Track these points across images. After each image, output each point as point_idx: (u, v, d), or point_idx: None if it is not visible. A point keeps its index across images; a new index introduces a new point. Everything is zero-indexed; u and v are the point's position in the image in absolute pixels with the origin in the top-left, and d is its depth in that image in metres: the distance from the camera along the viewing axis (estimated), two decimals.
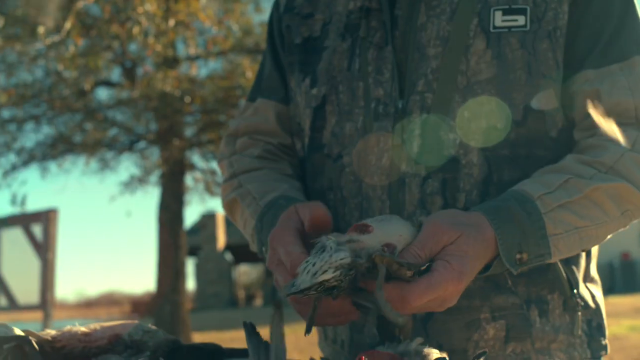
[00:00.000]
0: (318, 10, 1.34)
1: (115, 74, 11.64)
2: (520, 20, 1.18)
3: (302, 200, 1.23)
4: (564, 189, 1.09)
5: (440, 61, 1.18)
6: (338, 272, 0.92)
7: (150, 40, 7.71)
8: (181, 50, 10.01)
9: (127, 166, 12.47)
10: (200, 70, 10.53)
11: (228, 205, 1.35)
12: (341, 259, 0.93)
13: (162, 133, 10.50)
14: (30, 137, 11.57)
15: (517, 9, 1.18)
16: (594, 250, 1.27)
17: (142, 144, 12.18)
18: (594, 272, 1.27)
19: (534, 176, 1.14)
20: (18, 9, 7.80)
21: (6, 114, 11.08)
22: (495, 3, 1.19)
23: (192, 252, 27.01)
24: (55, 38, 7.12)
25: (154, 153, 12.47)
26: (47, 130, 11.62)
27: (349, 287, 0.96)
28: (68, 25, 7.12)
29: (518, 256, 1.04)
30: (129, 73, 10.65)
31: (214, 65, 11.20)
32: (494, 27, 1.18)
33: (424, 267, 0.97)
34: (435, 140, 1.17)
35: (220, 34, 8.75)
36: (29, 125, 11.41)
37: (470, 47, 1.17)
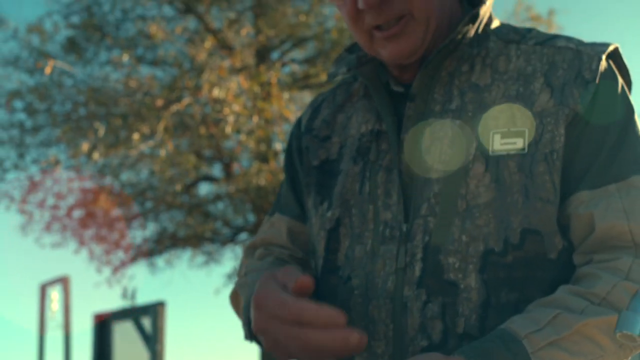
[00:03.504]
0: (335, 133, 1.38)
1: (217, 170, 12.08)
2: (519, 143, 1.18)
3: None
4: (552, 326, 1.05)
5: (442, 185, 1.19)
6: None
7: (243, 137, 8.01)
8: (275, 144, 10.33)
9: (231, 258, 12.70)
10: None
11: (232, 300, 1.40)
12: None
13: (260, 225, 10.73)
14: (137, 234, 12.06)
15: (516, 131, 1.19)
16: None
17: (243, 235, 12.44)
18: None
19: (525, 311, 1.11)
20: (117, 118, 8.32)
21: (114, 212, 11.63)
22: (495, 126, 1.20)
23: None
24: (150, 143, 7.52)
25: None
26: (152, 227, 12.10)
27: None
28: (161, 129, 7.52)
29: None
30: (227, 168, 11.04)
31: None
32: (493, 151, 1.18)
33: None
34: (435, 264, 1.17)
35: None
36: (136, 223, 11.91)
37: (469, 171, 1.18)
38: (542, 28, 11.31)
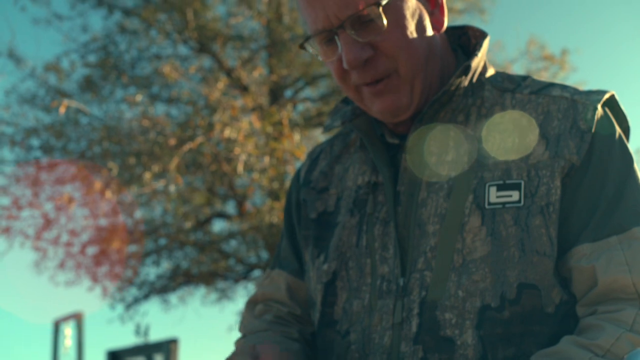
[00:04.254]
0: (332, 185, 1.38)
1: (230, 206, 12.08)
2: (515, 195, 1.17)
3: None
4: None
5: (438, 239, 1.18)
6: None
7: (255, 175, 8.04)
8: (287, 182, 10.35)
9: (244, 295, 12.65)
10: None
11: None
12: None
13: None
14: (150, 271, 12.06)
15: (512, 184, 1.18)
16: None
17: (256, 273, 12.40)
18: None
19: None
20: (131, 156, 8.38)
21: (128, 249, 11.63)
22: (490, 178, 1.19)
23: None
24: (161, 182, 7.56)
25: None
26: (166, 264, 12.08)
27: None
28: (173, 167, 7.57)
29: None
30: (240, 205, 11.05)
31: None
32: (489, 204, 1.18)
33: None
34: (431, 320, 1.16)
35: None
36: (150, 260, 11.91)
37: (465, 224, 1.17)
38: (555, 68, 11.34)
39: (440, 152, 1.24)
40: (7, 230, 10.49)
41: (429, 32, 1.25)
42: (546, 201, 1.15)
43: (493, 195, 1.18)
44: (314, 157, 1.46)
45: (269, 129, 8.23)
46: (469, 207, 1.18)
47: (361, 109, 1.33)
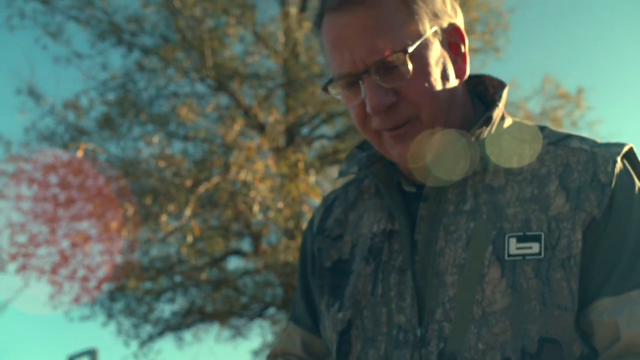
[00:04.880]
0: (347, 232, 1.37)
1: (246, 244, 12.08)
2: (535, 247, 1.15)
3: None
4: None
5: (457, 290, 1.17)
6: None
7: (271, 214, 8.06)
8: (303, 221, 10.34)
9: (258, 333, 12.58)
10: None
11: None
12: None
13: (287, 301, 10.68)
14: (165, 308, 12.03)
15: (532, 235, 1.16)
16: None
17: (271, 310, 12.34)
18: None
19: None
20: (148, 195, 8.43)
21: (145, 286, 11.63)
22: (510, 230, 1.18)
23: None
24: (177, 224, 7.60)
25: (284, 319, 12.59)
26: (181, 301, 12.05)
27: None
28: (188, 212, 7.61)
29: None
30: (256, 243, 11.05)
31: None
32: (509, 255, 1.16)
33: None
34: None
35: None
36: (165, 297, 11.88)
37: (485, 275, 1.16)
38: (570, 106, 11.35)
39: (458, 201, 1.23)
40: (23, 268, 10.53)
41: (452, 79, 1.26)
42: (567, 254, 1.14)
43: (513, 246, 1.16)
44: (328, 204, 1.46)
45: (285, 170, 8.27)
46: (488, 258, 1.16)
47: (377, 155, 1.33)
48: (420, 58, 1.21)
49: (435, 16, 1.25)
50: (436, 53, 1.23)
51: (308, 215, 8.95)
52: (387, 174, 1.32)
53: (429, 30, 1.22)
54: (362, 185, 1.42)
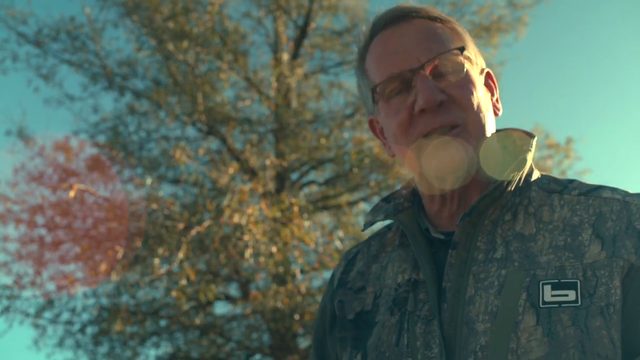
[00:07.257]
0: (369, 284, 1.34)
1: (233, 289, 11.96)
2: (571, 295, 1.13)
3: None
4: None
5: (490, 338, 1.13)
6: None
7: (261, 259, 8.01)
8: (293, 266, 10.28)
9: None
10: (313, 282, 10.69)
11: None
12: None
13: (275, 348, 10.53)
14: (150, 353, 11.82)
15: (567, 283, 1.14)
16: None
17: (257, 357, 12.17)
18: None
19: None
20: (137, 238, 8.38)
21: (129, 329, 11.46)
22: (544, 277, 1.15)
23: None
24: (168, 268, 7.54)
25: None
26: (166, 346, 11.86)
27: None
28: (181, 255, 7.56)
29: None
30: (244, 288, 10.94)
31: (327, 275, 11.43)
32: (544, 303, 1.13)
33: None
34: None
35: (326, 254, 8.98)
36: (150, 341, 11.70)
37: (519, 323, 1.12)
38: (560, 156, 11.43)
39: (487, 249, 1.22)
40: (6, 310, 10.37)
41: (490, 111, 1.31)
42: (606, 302, 1.11)
43: (548, 294, 1.14)
44: (350, 257, 1.44)
45: (278, 214, 8.25)
46: (522, 305, 1.14)
47: (403, 205, 1.33)
48: (469, 72, 1.27)
49: (477, 53, 1.33)
50: (480, 81, 1.30)
51: (299, 261, 8.90)
52: (414, 222, 1.32)
53: (474, 57, 1.31)
54: (385, 238, 1.41)
